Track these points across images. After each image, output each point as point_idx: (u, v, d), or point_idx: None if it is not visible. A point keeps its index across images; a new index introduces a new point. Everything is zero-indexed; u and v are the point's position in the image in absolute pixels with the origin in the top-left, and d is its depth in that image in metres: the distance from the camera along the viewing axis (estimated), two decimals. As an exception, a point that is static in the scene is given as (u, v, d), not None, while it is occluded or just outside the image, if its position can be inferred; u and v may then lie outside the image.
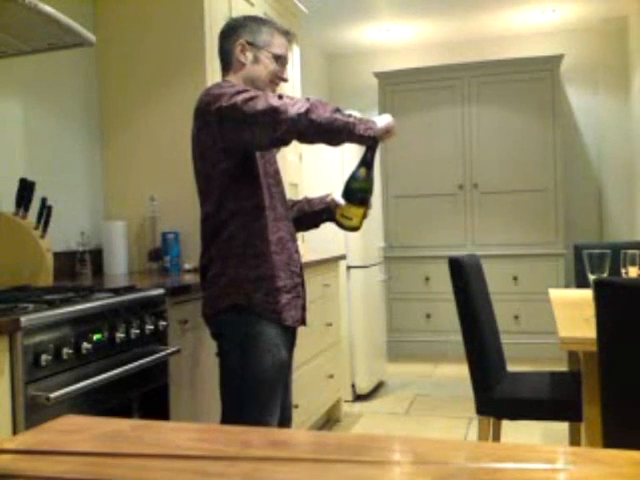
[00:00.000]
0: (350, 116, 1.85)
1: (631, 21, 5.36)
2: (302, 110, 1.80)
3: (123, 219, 2.99)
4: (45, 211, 2.34)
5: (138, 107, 3.05)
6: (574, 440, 2.68)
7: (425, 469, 0.72)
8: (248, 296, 1.94)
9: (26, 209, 2.31)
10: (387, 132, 1.92)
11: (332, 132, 1.83)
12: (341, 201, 2.09)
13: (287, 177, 3.86)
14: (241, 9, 3.30)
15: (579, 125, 5.75)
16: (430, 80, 5.68)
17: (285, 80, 2.15)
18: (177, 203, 2.98)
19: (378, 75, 5.77)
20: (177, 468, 0.75)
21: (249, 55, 2.07)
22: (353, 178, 2.00)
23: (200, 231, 2.11)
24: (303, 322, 2.12)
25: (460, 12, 5.22)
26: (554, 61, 5.41)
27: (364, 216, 2.06)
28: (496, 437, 2.55)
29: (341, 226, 2.11)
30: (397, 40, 5.87)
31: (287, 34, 2.17)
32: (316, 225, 2.36)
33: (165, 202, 2.99)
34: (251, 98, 1.84)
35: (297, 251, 2.18)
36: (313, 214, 2.30)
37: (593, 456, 0.76)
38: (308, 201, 2.32)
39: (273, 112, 1.80)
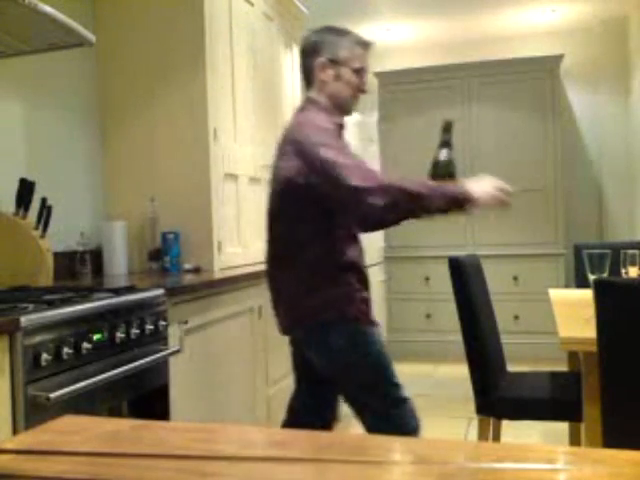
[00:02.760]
0: (439, 193, 1.89)
1: (631, 21, 5.36)
2: (386, 203, 1.83)
3: (123, 219, 2.99)
4: (45, 211, 2.34)
5: (138, 107, 3.05)
6: (574, 440, 2.68)
7: (425, 469, 0.72)
8: (343, 310, 2.00)
9: (26, 209, 2.31)
10: (487, 201, 1.94)
11: (420, 216, 1.93)
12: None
13: (287, 177, 3.86)
14: (241, 9, 3.30)
15: (579, 125, 5.75)
16: (430, 80, 5.68)
17: (365, 92, 2.16)
18: (177, 203, 2.98)
19: (378, 75, 5.77)
20: (177, 468, 0.75)
21: (330, 73, 2.09)
22: (437, 160, 2.13)
23: (269, 250, 2.13)
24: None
25: (460, 12, 5.22)
26: (554, 61, 5.41)
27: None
28: (496, 437, 2.55)
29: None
30: (397, 40, 5.87)
31: (366, 45, 2.18)
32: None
33: (165, 202, 2.99)
34: (349, 171, 1.86)
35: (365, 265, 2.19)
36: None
37: (593, 456, 0.76)
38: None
39: (359, 195, 1.84)
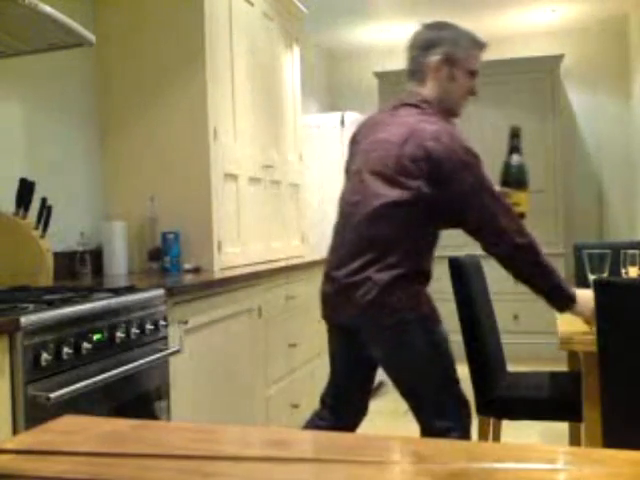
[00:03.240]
0: (553, 281, 2.00)
1: (631, 20, 5.36)
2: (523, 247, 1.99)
3: (123, 219, 2.99)
4: (45, 211, 2.34)
5: (138, 107, 3.05)
6: (574, 440, 2.68)
7: (425, 469, 0.72)
8: (432, 308, 2.07)
9: (26, 209, 2.31)
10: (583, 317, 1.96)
11: (526, 274, 2.07)
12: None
13: (287, 177, 3.87)
14: (241, 9, 3.30)
15: (579, 125, 5.75)
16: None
17: (475, 94, 2.15)
18: (177, 203, 2.98)
19: (378, 75, 5.77)
20: (177, 468, 0.75)
21: (445, 71, 2.06)
22: (508, 165, 2.15)
23: (355, 238, 2.05)
24: None
25: (460, 12, 5.21)
26: (554, 61, 5.41)
27: (529, 199, 2.15)
28: (496, 437, 2.55)
29: None
30: (397, 40, 5.87)
31: (482, 46, 2.14)
32: None
33: (165, 202, 2.99)
34: (503, 209, 1.97)
35: None
36: None
37: (593, 456, 0.76)
38: None
39: (514, 249, 1.99)
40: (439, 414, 2.04)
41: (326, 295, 2.13)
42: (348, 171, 2.22)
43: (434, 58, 2.05)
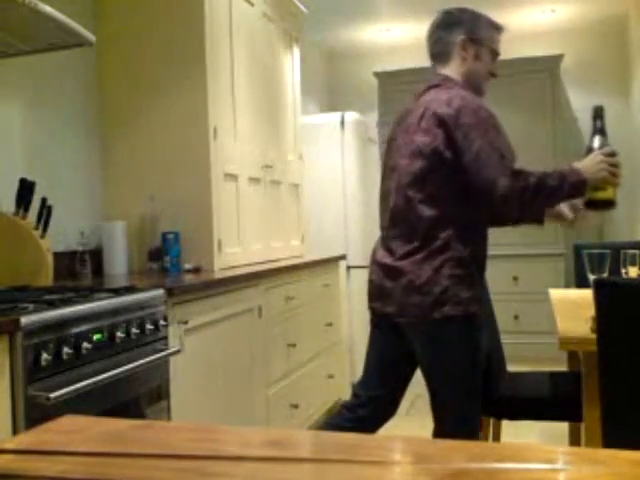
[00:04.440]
0: (564, 188, 1.92)
1: (631, 21, 5.35)
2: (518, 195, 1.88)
3: (123, 219, 2.99)
4: (45, 211, 2.34)
5: (138, 107, 3.05)
6: (574, 440, 2.68)
7: (425, 469, 0.72)
8: (467, 307, 1.99)
9: (26, 209, 2.31)
10: (604, 177, 1.97)
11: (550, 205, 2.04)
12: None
13: (287, 177, 3.87)
14: (241, 9, 3.30)
15: (579, 125, 5.75)
16: (430, 80, 5.67)
17: (496, 76, 2.17)
18: (177, 203, 2.98)
19: (378, 75, 5.77)
20: (177, 468, 0.75)
21: (471, 51, 2.09)
22: (590, 150, 2.06)
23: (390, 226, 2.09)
24: None
25: (460, 12, 5.21)
26: (554, 61, 5.41)
27: (616, 186, 2.07)
28: (496, 437, 2.55)
29: (593, 204, 2.08)
30: (397, 40, 5.87)
31: (500, 29, 2.17)
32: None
33: (165, 202, 2.99)
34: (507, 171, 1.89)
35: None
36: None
37: (593, 456, 0.76)
38: None
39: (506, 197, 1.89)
40: (457, 424, 2.04)
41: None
42: (385, 166, 2.21)
43: (459, 37, 2.09)
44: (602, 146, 2.03)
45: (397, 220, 2.07)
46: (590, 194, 2.03)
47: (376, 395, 2.20)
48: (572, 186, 1.93)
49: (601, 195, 2.04)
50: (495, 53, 2.13)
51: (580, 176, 1.94)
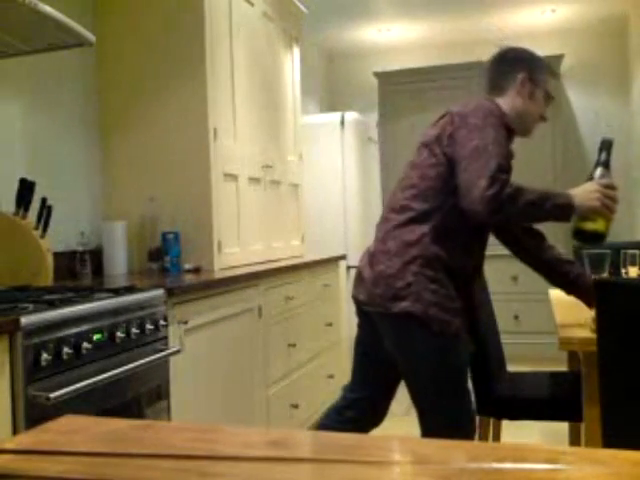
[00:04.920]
0: (546, 206, 1.92)
1: (631, 21, 5.35)
2: (493, 207, 1.84)
3: (123, 219, 2.99)
4: (45, 211, 2.34)
5: (138, 107, 3.05)
6: (574, 440, 2.68)
7: (425, 469, 0.72)
8: (427, 310, 1.97)
9: (26, 209, 2.31)
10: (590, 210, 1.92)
11: (523, 222, 1.99)
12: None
13: (287, 177, 3.87)
14: (241, 9, 3.30)
15: (579, 125, 5.75)
16: (430, 80, 5.68)
17: (545, 120, 2.19)
18: (177, 203, 2.98)
19: (378, 75, 5.77)
20: (177, 468, 0.75)
21: (527, 89, 2.10)
22: (591, 179, 2.01)
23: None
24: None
25: (460, 12, 5.22)
26: (554, 61, 5.40)
27: (609, 221, 1.99)
28: (496, 437, 2.55)
29: (581, 234, 2.02)
30: (397, 40, 5.87)
31: (556, 75, 2.21)
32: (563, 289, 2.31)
33: (165, 202, 2.99)
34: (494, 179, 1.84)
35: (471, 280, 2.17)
36: (570, 291, 2.27)
37: (593, 456, 0.76)
38: (575, 278, 2.25)
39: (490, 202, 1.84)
40: (440, 425, 2.03)
41: None
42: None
43: (520, 75, 2.10)
44: (602, 177, 1.98)
45: (389, 209, 2.09)
46: (578, 223, 2.00)
47: (361, 397, 2.20)
48: (556, 207, 1.93)
49: (589, 226, 1.98)
50: (549, 97, 2.14)
51: (568, 200, 1.94)
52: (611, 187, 1.96)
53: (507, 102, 2.11)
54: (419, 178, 2.03)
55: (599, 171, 2.00)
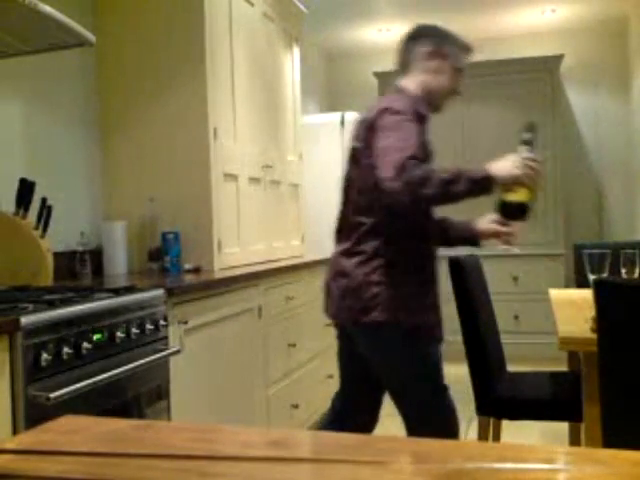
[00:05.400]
0: (461, 183, 1.84)
1: (631, 21, 5.36)
2: (407, 189, 1.81)
3: (123, 219, 2.99)
4: (45, 211, 2.34)
5: (138, 107, 3.05)
6: (574, 440, 2.68)
7: (425, 469, 0.72)
8: (394, 314, 1.98)
9: (26, 209, 2.31)
10: (515, 177, 1.89)
11: (441, 203, 1.91)
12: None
13: (287, 177, 3.87)
14: (241, 9, 3.30)
15: (579, 125, 5.75)
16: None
17: (459, 94, 2.14)
18: (177, 203, 2.98)
19: (378, 75, 5.77)
20: (177, 468, 0.75)
21: (433, 63, 2.06)
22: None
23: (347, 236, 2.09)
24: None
25: (460, 12, 5.22)
26: (554, 61, 5.41)
27: (533, 192, 1.93)
28: (496, 437, 2.55)
29: (506, 209, 1.96)
30: (397, 40, 5.87)
31: (468, 48, 2.15)
32: (451, 246, 2.32)
33: (165, 202, 2.99)
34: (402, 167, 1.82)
35: (436, 272, 2.16)
36: (458, 239, 2.28)
37: (593, 456, 0.76)
38: (453, 224, 2.28)
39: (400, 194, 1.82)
40: (423, 424, 2.04)
41: None
42: None
43: (424, 48, 2.07)
44: (531, 152, 1.96)
45: (341, 226, 2.11)
46: (500, 195, 1.95)
47: (345, 408, 2.21)
48: (473, 181, 1.85)
49: (512, 197, 1.93)
50: (459, 71, 2.09)
51: (483, 172, 1.89)
52: (533, 160, 1.93)
53: (414, 80, 2.08)
54: (358, 193, 2.04)
55: (521, 149, 1.98)
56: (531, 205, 1.94)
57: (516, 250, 2.12)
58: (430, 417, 2.04)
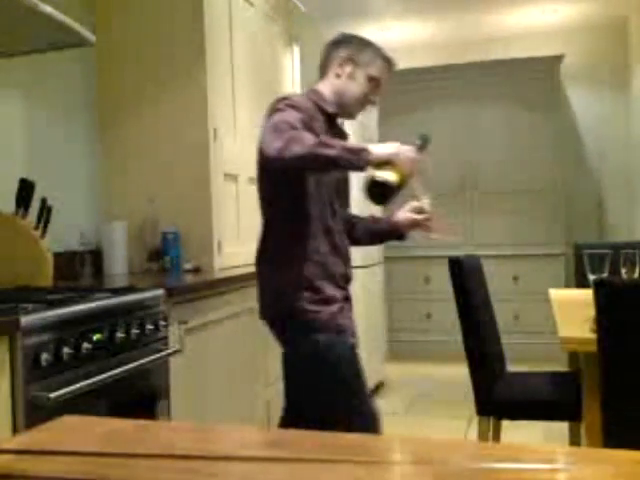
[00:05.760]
0: (336, 147, 1.81)
1: (631, 21, 5.36)
2: (278, 146, 1.80)
3: (123, 219, 2.99)
4: (45, 211, 2.34)
5: (138, 107, 3.05)
6: (574, 440, 2.68)
7: (425, 469, 0.72)
8: (292, 306, 1.97)
9: (26, 209, 2.31)
10: (390, 161, 1.87)
11: (314, 164, 1.83)
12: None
13: (287, 177, 3.86)
14: (241, 9, 3.30)
15: (579, 125, 5.75)
16: (430, 80, 5.68)
17: (373, 103, 2.15)
18: (177, 203, 2.98)
19: (378, 75, 5.76)
20: (177, 468, 0.75)
21: (347, 70, 2.09)
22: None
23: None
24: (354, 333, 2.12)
25: (460, 12, 5.22)
26: (555, 61, 5.41)
27: (402, 178, 1.90)
28: (496, 437, 2.55)
29: (371, 184, 1.92)
30: (397, 40, 5.87)
31: (389, 61, 2.16)
32: (381, 242, 2.35)
33: (165, 202, 2.98)
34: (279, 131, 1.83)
35: (343, 264, 2.11)
36: (381, 233, 2.29)
37: (593, 456, 0.76)
38: (375, 220, 2.31)
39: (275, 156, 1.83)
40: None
41: None
42: None
43: (341, 54, 2.10)
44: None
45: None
46: (371, 171, 1.91)
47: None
48: (347, 149, 1.82)
49: (380, 174, 1.88)
50: (374, 81, 2.10)
51: (360, 145, 1.91)
52: (414, 153, 1.92)
53: (327, 84, 2.11)
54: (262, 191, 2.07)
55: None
56: (396, 190, 1.91)
57: (452, 238, 2.12)
58: (341, 421, 2.02)
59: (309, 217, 1.99)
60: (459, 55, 5.77)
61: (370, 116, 5.60)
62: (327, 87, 2.10)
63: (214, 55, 3.02)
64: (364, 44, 2.13)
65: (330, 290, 2.01)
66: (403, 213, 2.21)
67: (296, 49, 4.12)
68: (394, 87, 5.77)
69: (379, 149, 1.86)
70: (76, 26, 2.09)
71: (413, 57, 6.01)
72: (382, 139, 5.52)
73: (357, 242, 2.25)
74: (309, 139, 1.80)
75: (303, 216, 1.99)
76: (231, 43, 3.19)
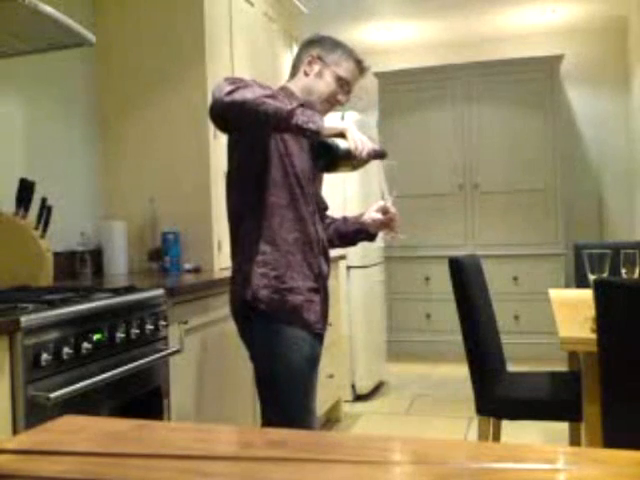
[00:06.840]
0: (291, 104, 1.77)
1: (631, 21, 5.36)
2: (228, 89, 1.76)
3: (123, 219, 2.99)
4: (45, 211, 2.34)
5: (138, 107, 3.05)
6: (574, 440, 2.68)
7: (425, 469, 0.72)
8: (256, 294, 1.95)
9: (26, 209, 2.31)
10: (338, 134, 1.83)
11: (263, 116, 1.76)
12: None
13: (287, 177, 3.86)
14: (241, 9, 3.30)
15: (579, 125, 5.75)
16: (430, 80, 5.68)
17: (341, 103, 2.14)
18: (177, 203, 2.98)
19: (378, 75, 5.77)
20: (177, 468, 0.75)
21: (315, 68, 2.09)
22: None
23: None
24: (322, 327, 2.07)
25: (460, 12, 5.22)
26: (554, 61, 5.41)
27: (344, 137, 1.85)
28: (496, 437, 2.55)
29: (316, 143, 1.87)
30: (397, 40, 5.87)
31: (360, 63, 2.15)
32: (353, 243, 2.32)
33: (165, 202, 2.99)
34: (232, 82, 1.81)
35: (315, 255, 2.07)
36: (349, 233, 2.27)
37: (593, 456, 0.76)
38: (345, 220, 2.30)
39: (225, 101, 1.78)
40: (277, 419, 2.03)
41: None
42: None
43: (312, 52, 2.11)
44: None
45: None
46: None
47: None
48: (297, 106, 1.77)
49: (327, 139, 1.82)
50: (341, 80, 2.09)
51: (314, 108, 1.87)
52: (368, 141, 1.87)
53: (296, 83, 2.12)
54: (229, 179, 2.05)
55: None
56: (343, 158, 1.84)
57: (401, 237, 2.11)
58: (285, 413, 2.07)
59: (274, 205, 1.96)
60: (459, 55, 5.77)
61: (370, 116, 5.60)
62: (296, 85, 2.11)
63: (214, 55, 3.02)
64: (335, 44, 2.13)
65: (297, 281, 1.97)
66: (369, 213, 2.22)
67: (296, 49, 4.12)
68: (394, 87, 5.79)
69: (331, 122, 1.84)
70: (76, 26, 2.09)
71: (413, 57, 6.01)
72: (382, 139, 5.52)
73: (330, 243, 2.22)
74: (264, 90, 1.78)
75: (268, 205, 1.96)
76: (231, 43, 3.19)
